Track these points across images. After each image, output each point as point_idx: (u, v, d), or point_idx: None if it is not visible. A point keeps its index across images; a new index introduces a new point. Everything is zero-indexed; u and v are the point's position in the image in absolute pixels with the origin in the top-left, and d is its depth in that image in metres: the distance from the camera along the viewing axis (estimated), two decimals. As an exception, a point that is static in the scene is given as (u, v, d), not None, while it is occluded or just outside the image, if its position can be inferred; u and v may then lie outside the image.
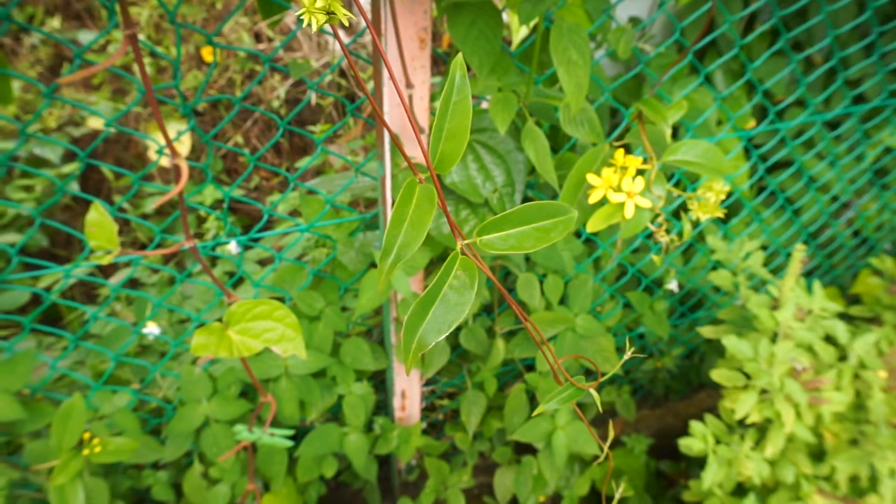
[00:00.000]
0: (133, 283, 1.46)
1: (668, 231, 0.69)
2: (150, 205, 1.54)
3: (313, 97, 1.87)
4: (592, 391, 0.45)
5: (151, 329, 1.06)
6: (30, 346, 1.07)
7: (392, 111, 0.71)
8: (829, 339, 1.00)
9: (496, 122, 0.67)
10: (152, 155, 1.67)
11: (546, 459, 1.00)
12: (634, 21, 1.28)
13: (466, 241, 0.32)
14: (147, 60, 1.76)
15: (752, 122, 1.33)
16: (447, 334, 0.31)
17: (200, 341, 0.62)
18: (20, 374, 0.87)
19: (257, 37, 1.95)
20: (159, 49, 1.83)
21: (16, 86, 1.68)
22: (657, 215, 0.67)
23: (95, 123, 1.68)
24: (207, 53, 1.86)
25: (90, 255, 0.61)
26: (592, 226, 0.67)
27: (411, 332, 0.30)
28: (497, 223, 0.33)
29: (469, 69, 0.76)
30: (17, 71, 1.86)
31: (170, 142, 0.53)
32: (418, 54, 0.69)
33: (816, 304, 0.95)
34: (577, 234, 1.13)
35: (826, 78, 1.30)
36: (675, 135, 1.21)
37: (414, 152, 0.77)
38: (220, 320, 0.66)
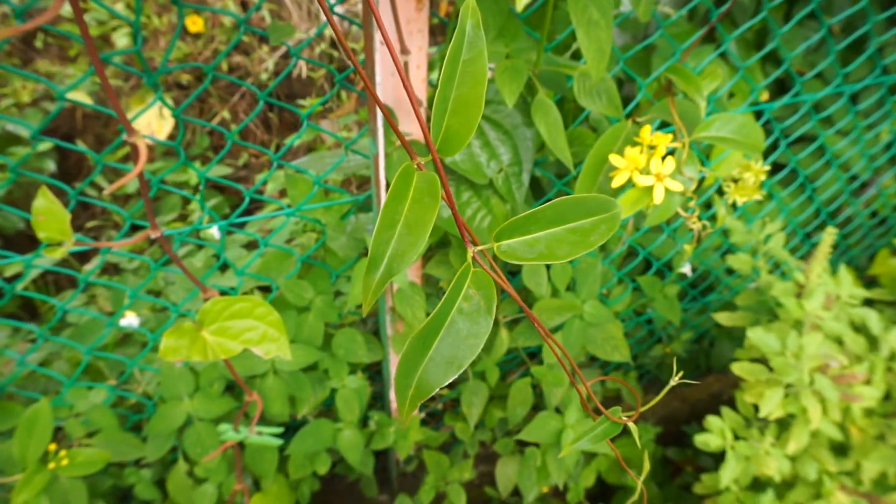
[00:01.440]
0: (114, 269, 1.39)
1: (697, 214, 0.61)
2: (132, 186, 1.46)
3: (303, 69, 1.77)
4: (631, 425, 0.38)
5: (130, 320, 0.98)
6: (-2, 339, 1.00)
7: (385, 81, 0.63)
8: (857, 328, 0.94)
9: (503, 94, 0.59)
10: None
11: (554, 459, 0.94)
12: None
13: (480, 248, 0.24)
14: (126, 30, 1.66)
15: (764, 96, 1.25)
16: (457, 376, 0.23)
17: (170, 344, 0.55)
18: (-17, 372, 0.80)
19: (244, 5, 1.85)
20: (140, 18, 1.73)
21: (-14, 57, 1.58)
22: (688, 199, 0.60)
23: (74, 95, 1.58)
24: (192, 24, 1.76)
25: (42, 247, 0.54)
26: (614, 211, 0.59)
27: (407, 374, 0.22)
28: (520, 224, 0.25)
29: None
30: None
31: (123, 117, 0.45)
32: (415, 16, 0.60)
33: (845, 291, 0.89)
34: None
35: (845, 51, 1.21)
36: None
37: (410, 128, 0.69)
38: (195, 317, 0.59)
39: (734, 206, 0.89)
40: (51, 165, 1.46)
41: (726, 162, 0.81)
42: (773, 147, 1.26)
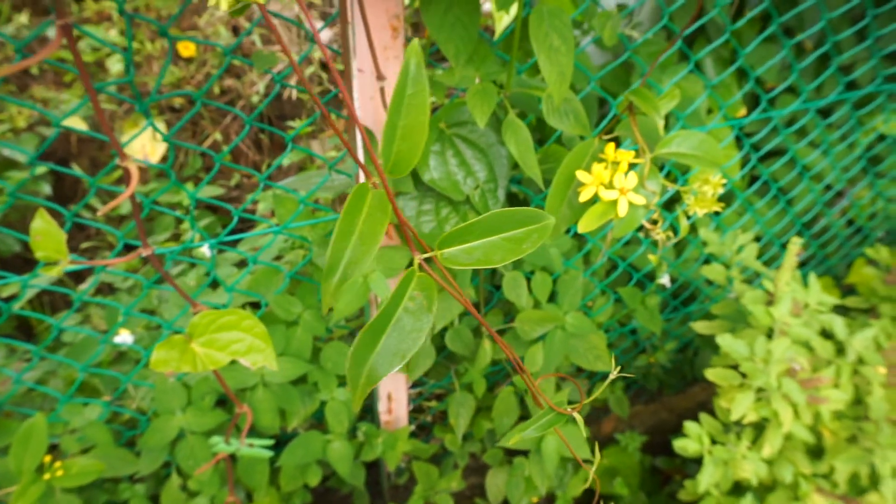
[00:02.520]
0: (109, 289, 1.42)
1: (659, 225, 0.65)
2: (126, 207, 1.49)
3: (293, 91, 1.82)
4: (576, 415, 0.41)
5: (124, 337, 1.01)
6: (-5, 358, 1.02)
7: (364, 105, 0.67)
8: (826, 334, 0.97)
9: (474, 115, 0.63)
10: (128, 153, 1.62)
11: (536, 465, 0.96)
12: (621, 7, 1.24)
13: (427, 255, 0.28)
14: (118, 56, 1.70)
15: (742, 111, 1.30)
16: (401, 366, 0.27)
17: (160, 356, 0.57)
18: (-20, 389, 0.82)
19: (235, 30, 1.90)
20: (133, 44, 1.77)
21: (-17, 84, 1.62)
22: (651, 211, 0.63)
23: (69, 121, 1.62)
24: (184, 48, 1.80)
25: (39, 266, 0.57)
26: (584, 226, 0.63)
27: (358, 364, 0.26)
28: (460, 234, 0.28)
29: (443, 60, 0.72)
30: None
31: (115, 142, 0.49)
32: (391, 43, 0.64)
33: (813, 298, 0.92)
34: (566, 229, 1.09)
35: (818, 64, 1.26)
36: (666, 125, 1.17)
37: (390, 148, 0.73)
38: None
39: (690, 217, 0.93)
40: (46, 189, 1.49)
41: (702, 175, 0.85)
42: (748, 160, 1.30)
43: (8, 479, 0.77)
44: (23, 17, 1.76)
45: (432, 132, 0.74)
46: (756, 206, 1.30)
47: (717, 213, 1.30)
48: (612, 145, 0.62)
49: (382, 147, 0.26)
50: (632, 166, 0.64)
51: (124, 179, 1.69)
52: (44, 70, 1.73)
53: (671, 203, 1.30)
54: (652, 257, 0.69)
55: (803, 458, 0.93)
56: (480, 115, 0.63)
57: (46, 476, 0.71)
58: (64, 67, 0.56)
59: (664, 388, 1.60)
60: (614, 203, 0.61)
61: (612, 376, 0.44)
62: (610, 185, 0.61)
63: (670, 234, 0.65)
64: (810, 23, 1.22)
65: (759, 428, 0.98)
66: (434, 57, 1.50)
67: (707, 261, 1.30)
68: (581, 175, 0.62)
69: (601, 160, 0.64)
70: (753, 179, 1.39)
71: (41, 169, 1.50)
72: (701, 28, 1.40)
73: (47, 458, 0.72)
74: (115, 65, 1.70)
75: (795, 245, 0.89)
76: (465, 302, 0.30)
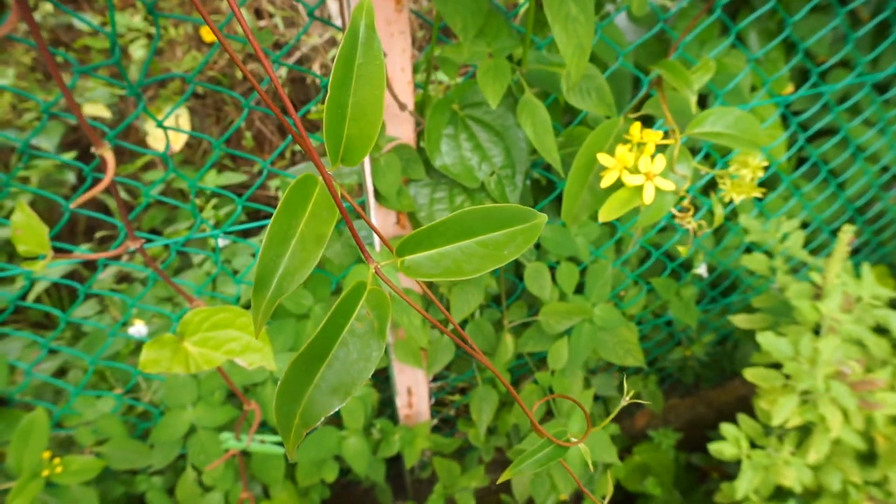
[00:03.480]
0: (129, 279, 1.41)
1: (696, 212, 0.58)
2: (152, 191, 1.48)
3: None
4: (582, 446, 0.36)
5: (139, 329, 0.99)
6: (11, 350, 1.02)
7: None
8: (882, 330, 0.89)
9: (486, 95, 0.57)
10: (151, 142, 1.61)
11: (559, 470, 0.91)
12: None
13: (384, 263, 0.23)
14: (142, 41, 1.69)
15: (790, 87, 1.20)
16: (345, 404, 0.22)
17: (150, 356, 0.54)
18: (-8, 382, 0.81)
19: (258, 13, 1.86)
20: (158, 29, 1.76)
21: (10, 73, 1.63)
22: (682, 198, 0.57)
23: (92, 110, 1.62)
24: (206, 32, 1.78)
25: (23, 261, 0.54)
26: (605, 214, 0.57)
27: (289, 401, 0.21)
28: (425, 236, 0.23)
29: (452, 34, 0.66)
30: (12, 58, 1.81)
31: (89, 129, 0.45)
32: (395, 17, 0.59)
33: (866, 291, 0.84)
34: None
35: (874, 35, 1.15)
36: (704, 104, 1.09)
37: (396, 131, 0.68)
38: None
39: (729, 204, 0.85)
40: (71, 177, 1.49)
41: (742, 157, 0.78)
42: (795, 140, 1.21)
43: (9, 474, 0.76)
44: (48, 6, 1.76)
45: (444, 114, 0.69)
46: (804, 189, 1.21)
47: (759, 199, 1.21)
48: (637, 125, 0.56)
49: (326, 130, 0.21)
50: (661, 148, 0.57)
51: (154, 165, 1.68)
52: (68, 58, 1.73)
53: (710, 188, 1.21)
54: (681, 248, 0.62)
55: (853, 464, 0.86)
56: (492, 94, 0.58)
57: (45, 472, 0.69)
58: (65, 56, 0.52)
59: (701, 381, 1.53)
60: (639, 189, 0.55)
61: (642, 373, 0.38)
62: (635, 170, 0.55)
63: (703, 223, 0.59)
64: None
65: (804, 431, 0.91)
66: (450, 34, 1.43)
67: (749, 249, 1.22)
68: (602, 158, 0.56)
69: (626, 142, 0.58)
70: (801, 161, 1.29)
71: (67, 156, 1.50)
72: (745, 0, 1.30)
73: (46, 454, 0.70)
74: (138, 50, 1.69)
75: (846, 234, 0.81)
76: (415, 285, 0.25)
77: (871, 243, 1.39)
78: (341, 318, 0.22)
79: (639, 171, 0.55)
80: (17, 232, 0.51)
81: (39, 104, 0.58)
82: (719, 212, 0.58)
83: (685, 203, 0.57)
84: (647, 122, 0.85)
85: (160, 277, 0.83)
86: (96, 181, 0.97)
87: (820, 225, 1.26)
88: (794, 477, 0.83)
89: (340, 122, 0.21)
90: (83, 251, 0.82)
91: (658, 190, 0.55)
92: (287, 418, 0.21)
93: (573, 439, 0.38)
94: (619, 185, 0.57)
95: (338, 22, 1.78)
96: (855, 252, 1.41)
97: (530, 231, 0.24)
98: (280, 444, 0.86)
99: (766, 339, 0.78)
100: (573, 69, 0.51)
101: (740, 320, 0.99)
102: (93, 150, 0.47)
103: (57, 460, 0.71)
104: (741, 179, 0.57)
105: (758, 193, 0.57)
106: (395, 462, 1.32)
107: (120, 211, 0.52)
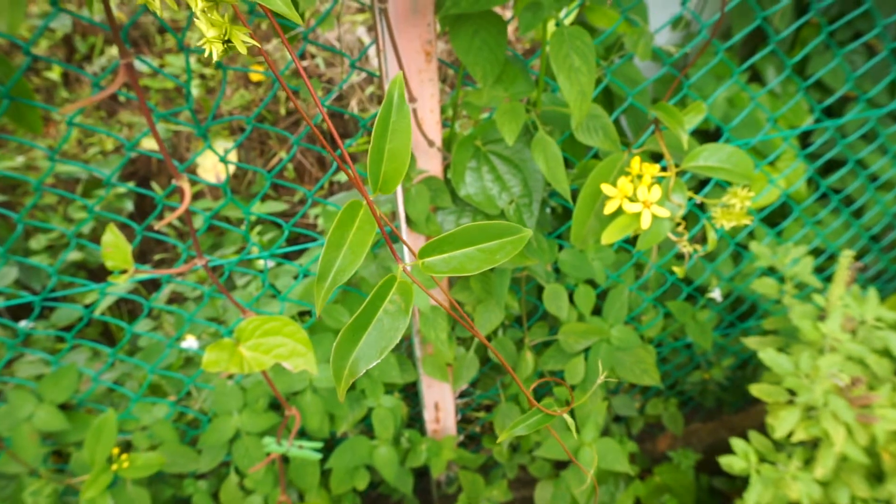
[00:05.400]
0: (182, 299, 1.52)
1: (685, 238, 0.65)
2: (197, 222, 1.60)
3: (354, 109, 1.90)
4: (567, 417, 0.43)
5: (190, 343, 1.09)
6: (78, 361, 1.12)
7: (401, 125, 0.71)
8: (888, 353, 0.93)
9: (503, 133, 0.65)
10: (201, 172, 1.74)
11: (574, 477, 0.96)
12: (677, 23, 1.23)
13: (409, 263, 0.31)
14: (196, 82, 1.83)
15: (808, 118, 1.26)
16: (379, 361, 0.30)
17: (211, 357, 0.63)
18: (64, 387, 0.91)
19: (303, 56, 2.00)
20: (208, 70, 1.91)
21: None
22: (678, 224, 0.64)
23: (150, 144, 1.76)
24: (254, 74, 1.92)
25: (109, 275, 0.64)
26: (607, 237, 0.64)
27: (342, 357, 0.29)
28: (438, 245, 0.32)
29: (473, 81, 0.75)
30: (79, 97, 1.98)
31: (170, 162, 0.54)
32: (424, 66, 0.68)
33: (869, 314, 0.88)
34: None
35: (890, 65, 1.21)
36: (715, 137, 1.16)
37: (426, 165, 0.76)
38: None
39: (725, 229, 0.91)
40: (129, 205, 1.62)
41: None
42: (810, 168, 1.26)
43: (83, 469, 0.85)
44: (113, 51, 1.93)
45: (468, 149, 0.77)
46: (819, 216, 1.25)
47: (774, 225, 1.26)
48: (637, 159, 0.64)
49: (370, 167, 0.30)
50: (660, 180, 0.65)
51: (202, 195, 1.81)
52: (129, 98, 1.88)
53: (706, 219, 1.27)
54: (677, 269, 0.69)
55: (861, 481, 0.89)
56: (509, 133, 0.66)
57: (114, 467, 0.78)
58: (128, 96, 0.62)
59: (724, 405, 1.55)
60: (638, 216, 0.62)
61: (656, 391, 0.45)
62: (634, 198, 0.62)
63: (697, 247, 0.65)
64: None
65: (814, 448, 0.95)
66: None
67: (765, 275, 1.27)
68: (605, 188, 0.63)
69: (628, 174, 0.65)
70: (817, 188, 1.34)
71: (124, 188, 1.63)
72: (762, 37, 1.37)
73: (115, 450, 0.80)
74: (195, 90, 1.83)
75: (847, 258, 0.86)
76: (443, 302, 0.33)
77: (890, 271, 1.42)
78: (378, 300, 0.31)
79: (637, 199, 0.62)
80: (107, 250, 0.61)
81: (123, 143, 0.68)
82: (712, 237, 0.65)
83: (679, 228, 0.64)
84: (655, 156, 0.93)
85: (215, 295, 0.92)
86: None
87: (835, 252, 1.30)
88: (801, 491, 0.87)
89: (380, 162, 0.30)
90: (147, 269, 0.92)
91: (655, 216, 0.62)
92: (340, 369, 0.29)
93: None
94: (620, 212, 0.64)
95: (374, 63, 1.91)
96: (873, 280, 1.44)
97: (517, 242, 0.32)
98: (317, 450, 0.94)
99: (767, 355, 0.83)
100: (576, 112, 0.59)
101: (752, 342, 1.04)
102: (174, 181, 0.56)
103: (124, 456, 0.80)
104: (731, 208, 0.63)
105: (747, 221, 0.63)
106: (422, 478, 1.38)
107: (191, 234, 0.62)
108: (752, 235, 1.26)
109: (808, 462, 0.93)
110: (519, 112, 0.66)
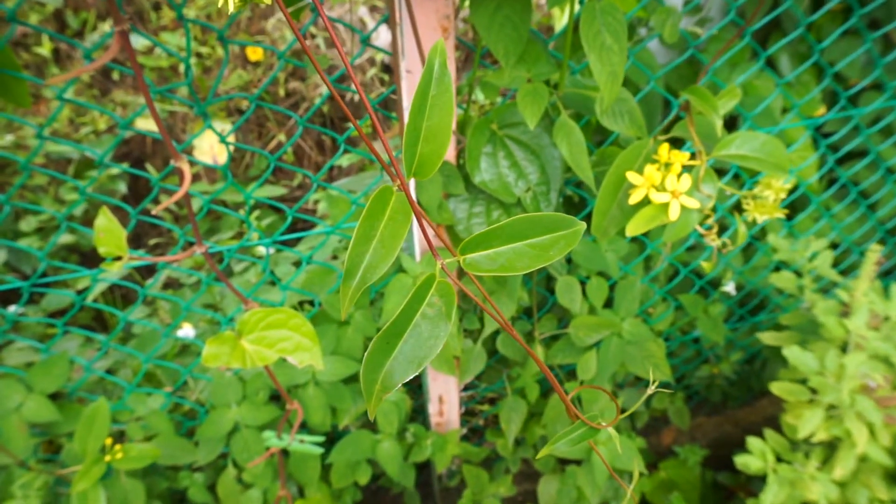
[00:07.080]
0: (178, 285, 1.48)
1: (724, 230, 0.61)
2: (193, 206, 1.55)
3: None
4: (611, 430, 0.39)
5: (186, 331, 1.05)
6: (69, 348, 1.08)
7: (414, 106, 0.67)
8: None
9: (525, 116, 0.61)
10: (197, 154, 1.69)
11: (587, 475, 0.94)
12: (688, 1, 1.19)
13: (448, 261, 0.27)
14: (193, 60, 1.78)
15: (822, 109, 1.22)
16: (417, 373, 0.26)
17: (211, 351, 0.59)
18: (55, 376, 0.87)
19: (304, 32, 1.95)
20: (204, 49, 1.85)
21: (70, 89, 1.73)
22: (706, 216, 0.60)
23: (145, 124, 1.71)
24: (252, 52, 1.86)
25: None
26: (632, 229, 0.61)
27: (373, 370, 0.25)
28: (482, 239, 0.27)
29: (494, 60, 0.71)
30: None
31: (170, 143, 0.50)
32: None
33: (894, 310, 0.85)
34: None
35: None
36: (734, 126, 1.12)
37: (439, 150, 0.72)
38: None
39: (753, 223, 0.88)
40: (122, 187, 1.57)
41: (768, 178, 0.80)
42: (825, 161, 1.22)
43: (74, 458, 0.81)
44: (106, 26, 1.87)
45: (483, 133, 0.73)
46: (833, 210, 1.22)
47: (788, 218, 1.23)
48: (665, 146, 0.60)
49: (405, 149, 0.26)
50: (688, 168, 0.61)
51: (198, 178, 1.76)
52: (124, 76, 1.82)
53: (738, 207, 1.24)
54: (705, 265, 0.65)
55: (880, 482, 0.86)
56: (531, 116, 0.62)
57: (107, 458, 0.74)
58: (122, 70, 0.58)
59: (729, 400, 1.53)
60: (665, 206, 0.58)
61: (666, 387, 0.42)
62: (662, 188, 0.59)
63: (727, 241, 0.62)
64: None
65: (831, 447, 0.92)
66: (489, 58, 1.49)
67: (777, 268, 1.23)
68: (631, 176, 0.59)
69: (654, 161, 0.61)
70: (832, 182, 1.31)
71: (118, 169, 1.58)
72: (776, 23, 1.33)
73: (108, 441, 0.76)
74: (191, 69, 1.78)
75: (875, 252, 0.83)
76: (497, 314, 0.29)
77: (906, 266, 1.39)
78: (416, 303, 0.27)
79: (665, 189, 0.58)
80: (100, 235, 0.57)
81: (117, 121, 0.64)
82: (743, 231, 0.61)
83: (710, 221, 0.61)
84: (677, 143, 0.89)
85: (213, 282, 0.88)
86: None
87: (850, 246, 1.27)
88: (819, 492, 0.84)
89: (416, 143, 0.26)
90: (143, 255, 0.88)
91: (683, 207, 0.58)
92: (371, 383, 0.26)
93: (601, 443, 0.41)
94: (646, 202, 0.60)
95: (378, 43, 1.85)
96: (886, 274, 1.41)
97: (572, 236, 0.28)
98: (318, 444, 0.90)
99: (792, 353, 0.80)
100: (606, 94, 0.55)
101: (768, 337, 1.01)
102: (172, 162, 0.52)
103: (118, 447, 0.76)
104: (764, 200, 0.60)
105: (781, 214, 0.60)
106: (423, 470, 1.35)
107: (191, 219, 0.58)
108: (763, 229, 1.23)
109: (825, 462, 0.90)
110: (542, 94, 0.62)
